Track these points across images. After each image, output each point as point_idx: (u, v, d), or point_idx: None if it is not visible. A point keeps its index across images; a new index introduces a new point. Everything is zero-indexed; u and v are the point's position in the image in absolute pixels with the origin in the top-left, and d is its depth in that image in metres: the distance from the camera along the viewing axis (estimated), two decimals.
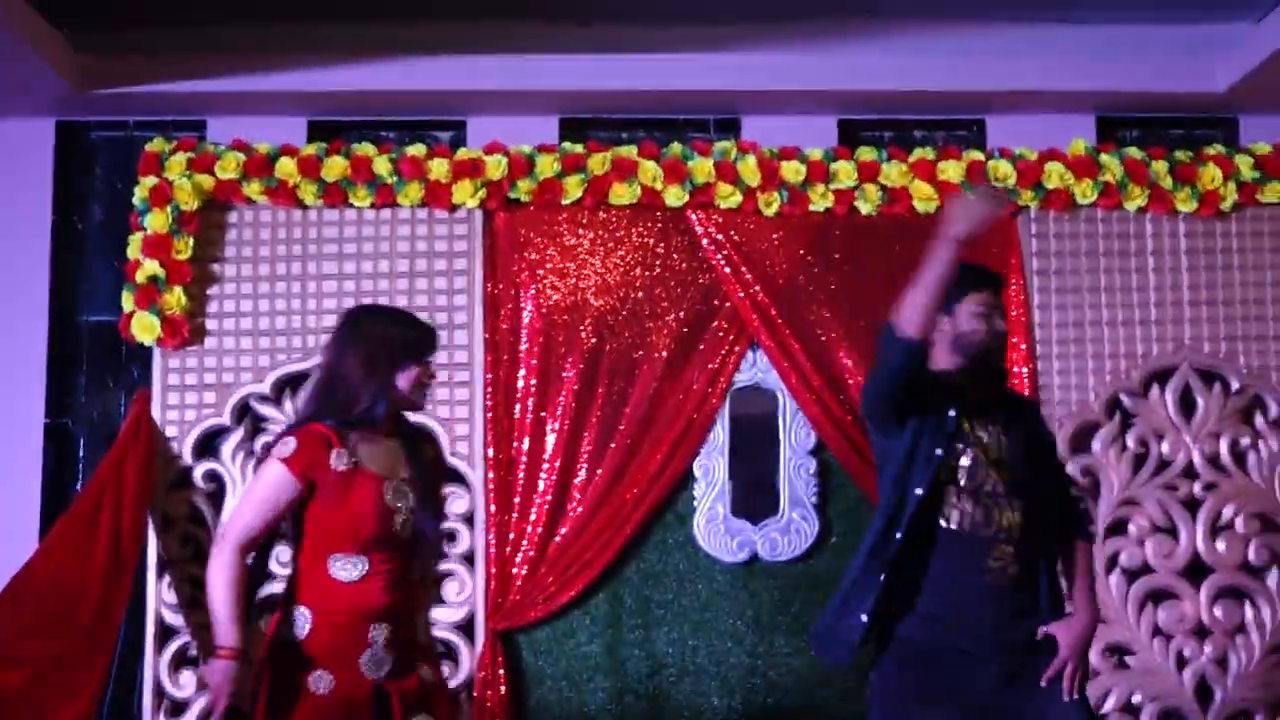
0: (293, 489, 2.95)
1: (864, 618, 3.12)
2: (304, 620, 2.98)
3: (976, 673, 3.15)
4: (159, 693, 4.64)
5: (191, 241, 4.73)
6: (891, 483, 3.19)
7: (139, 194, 4.75)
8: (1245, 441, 4.80)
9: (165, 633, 4.62)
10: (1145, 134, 5.18)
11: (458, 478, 4.72)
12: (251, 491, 3.01)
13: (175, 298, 4.68)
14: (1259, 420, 4.83)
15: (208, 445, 4.75)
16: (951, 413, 3.20)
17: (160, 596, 4.63)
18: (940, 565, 3.18)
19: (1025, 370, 4.77)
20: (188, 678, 4.66)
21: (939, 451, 3.16)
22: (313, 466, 2.96)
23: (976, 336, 3.25)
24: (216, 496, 4.71)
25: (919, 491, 3.14)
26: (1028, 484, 3.26)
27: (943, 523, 3.20)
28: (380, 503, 3.01)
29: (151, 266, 4.67)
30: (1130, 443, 4.77)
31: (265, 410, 4.71)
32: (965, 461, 3.22)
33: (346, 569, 2.99)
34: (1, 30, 4.12)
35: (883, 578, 3.13)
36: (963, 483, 3.21)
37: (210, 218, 4.81)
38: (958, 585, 3.17)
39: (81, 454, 4.96)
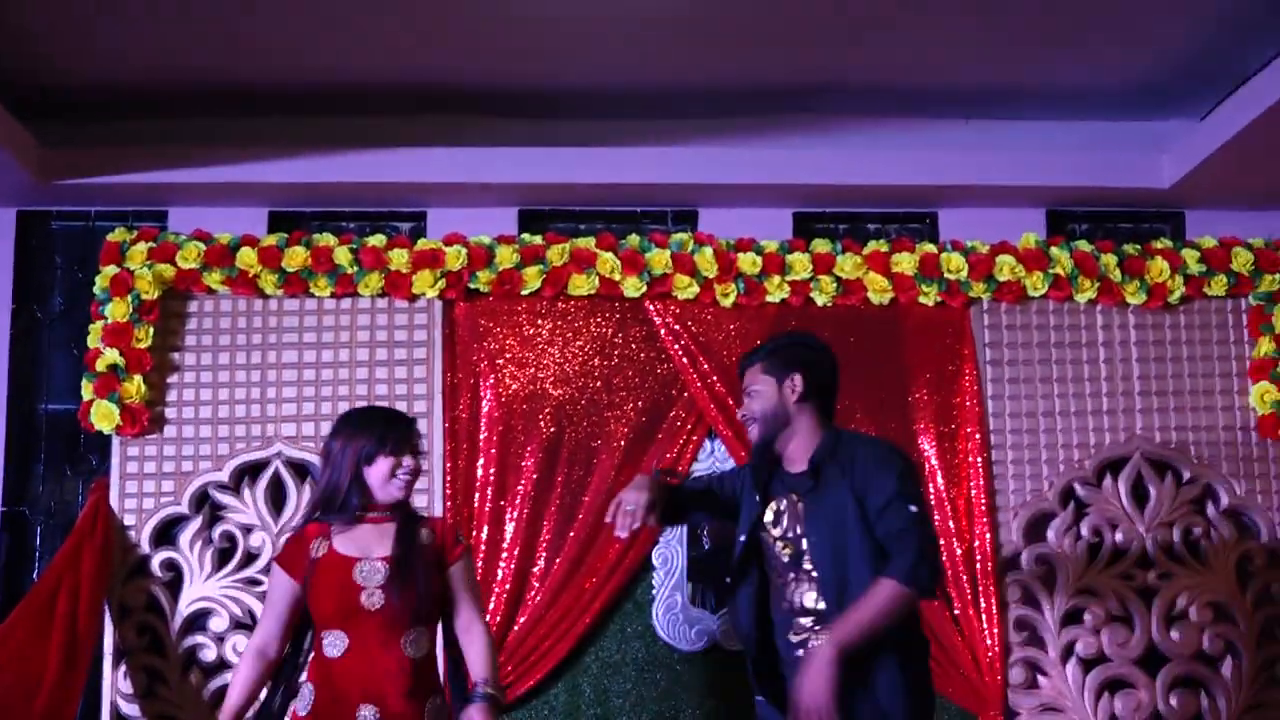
0: (287, 583, 3.28)
1: None
2: (308, 694, 3.22)
3: None
4: None
5: (152, 330, 4.73)
6: None
7: (100, 283, 4.76)
8: (1198, 531, 4.83)
9: None
10: (1094, 228, 5.25)
11: None
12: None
13: (135, 386, 4.67)
14: (1210, 510, 4.86)
15: (166, 534, 4.73)
16: (756, 498, 3.44)
17: (116, 686, 4.59)
18: None
19: (979, 460, 4.79)
20: None
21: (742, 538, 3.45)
22: (296, 559, 3.27)
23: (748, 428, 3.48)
24: (174, 585, 4.68)
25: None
26: (814, 559, 3.30)
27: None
28: (344, 579, 3.21)
29: (111, 355, 4.67)
30: (1084, 532, 4.80)
31: (224, 499, 4.70)
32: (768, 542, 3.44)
33: (332, 645, 3.21)
34: None
35: None
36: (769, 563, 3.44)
37: (171, 307, 4.82)
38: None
39: (38, 542, 4.93)
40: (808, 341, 3.54)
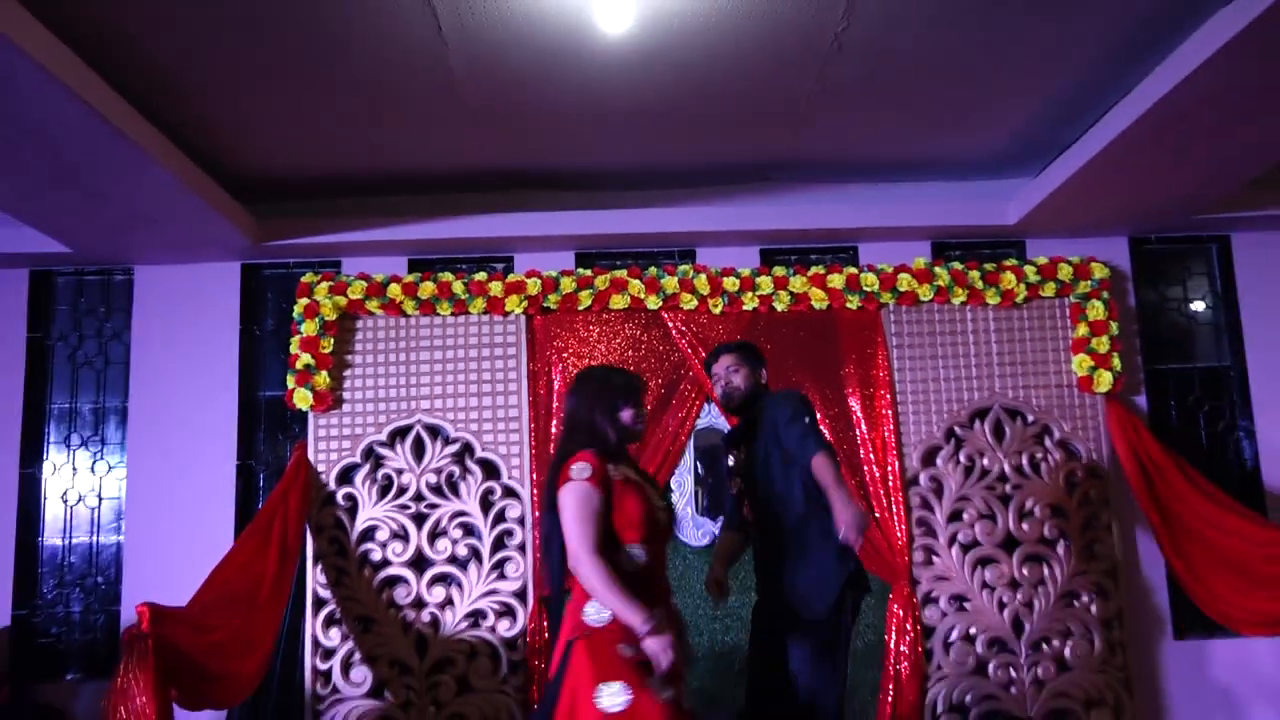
0: (599, 498, 3.16)
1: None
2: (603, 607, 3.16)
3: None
4: (315, 644, 5.50)
5: (332, 341, 5.72)
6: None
7: (296, 310, 5.76)
8: (1039, 456, 5.81)
9: (318, 603, 5.51)
10: (965, 253, 6.14)
11: (515, 494, 5.66)
12: (574, 513, 3.11)
13: (322, 379, 5.68)
14: (1047, 441, 5.87)
15: (345, 476, 5.69)
16: (729, 458, 4.23)
17: (315, 579, 5.51)
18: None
19: (890, 413, 5.73)
20: (334, 633, 5.47)
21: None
22: (604, 478, 3.23)
23: (720, 391, 4.12)
24: (352, 511, 5.61)
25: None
26: (757, 481, 3.97)
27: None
28: (648, 502, 3.30)
29: (306, 358, 5.70)
30: (962, 459, 5.79)
31: (383, 451, 5.73)
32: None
33: (633, 559, 3.20)
34: (202, 204, 5.02)
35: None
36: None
37: (345, 325, 5.80)
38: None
39: (261, 484, 5.93)
40: (757, 346, 4.29)
